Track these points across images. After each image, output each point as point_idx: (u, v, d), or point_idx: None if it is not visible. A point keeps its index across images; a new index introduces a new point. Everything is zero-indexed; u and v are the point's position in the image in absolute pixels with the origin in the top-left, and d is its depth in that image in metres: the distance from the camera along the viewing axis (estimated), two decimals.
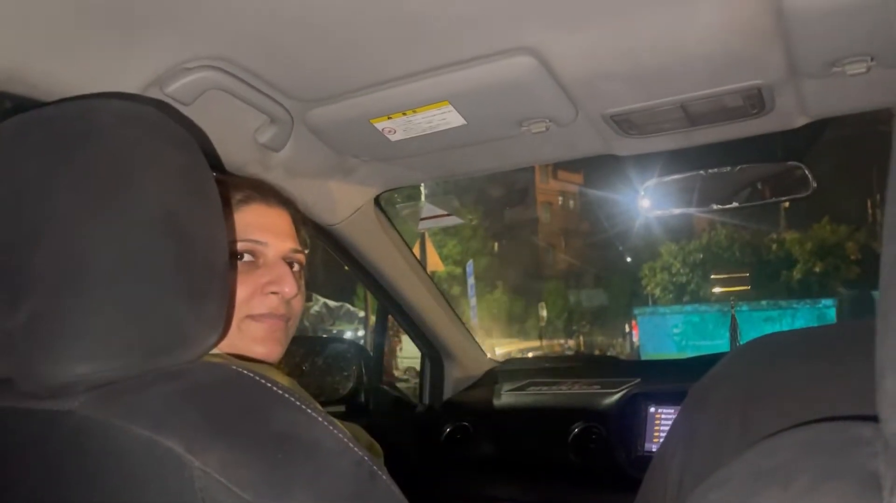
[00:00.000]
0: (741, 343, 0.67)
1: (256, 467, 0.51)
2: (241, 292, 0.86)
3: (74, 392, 0.54)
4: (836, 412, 0.44)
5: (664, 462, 0.61)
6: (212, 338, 0.62)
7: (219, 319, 0.62)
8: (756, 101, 1.05)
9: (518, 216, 29.60)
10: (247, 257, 0.89)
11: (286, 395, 0.58)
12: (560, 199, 31.08)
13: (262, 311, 0.88)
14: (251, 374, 0.59)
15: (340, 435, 0.58)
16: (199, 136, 1.09)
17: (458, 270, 20.09)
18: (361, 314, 10.96)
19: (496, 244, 26.39)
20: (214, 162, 1.18)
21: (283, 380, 0.79)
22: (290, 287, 0.89)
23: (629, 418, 1.52)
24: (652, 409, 1.49)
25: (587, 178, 29.17)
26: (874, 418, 0.34)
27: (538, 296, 23.23)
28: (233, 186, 0.94)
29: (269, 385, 0.59)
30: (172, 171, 0.62)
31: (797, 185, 1.23)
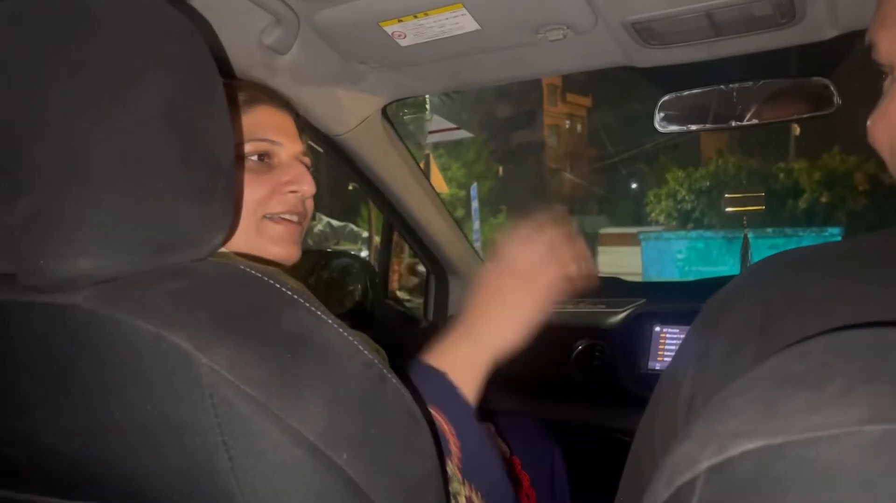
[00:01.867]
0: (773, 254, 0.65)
1: (265, 366, 0.51)
2: (259, 192, 0.85)
3: (79, 286, 0.53)
4: (863, 321, 0.42)
5: (675, 378, 0.60)
6: (218, 237, 0.60)
7: (225, 218, 0.61)
8: (786, 9, 1.00)
9: (524, 139, 29.25)
10: (262, 157, 0.88)
11: (295, 296, 0.57)
12: (568, 122, 30.62)
13: (281, 210, 0.88)
14: (259, 274, 0.57)
15: (350, 338, 0.58)
16: (204, 32, 1.04)
17: (462, 193, 20.02)
18: (365, 234, 11.00)
19: (501, 168, 26.18)
20: (219, 63, 1.13)
21: (293, 283, 0.79)
22: (308, 185, 0.89)
23: (634, 337, 1.53)
24: (657, 328, 1.50)
25: (595, 100, 28.67)
26: None
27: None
28: (236, 88, 0.91)
29: (279, 286, 0.57)
30: (176, 64, 0.59)
31: (821, 102, 1.18)
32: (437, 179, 10.78)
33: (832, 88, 1.16)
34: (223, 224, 0.60)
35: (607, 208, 26.26)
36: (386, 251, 1.91)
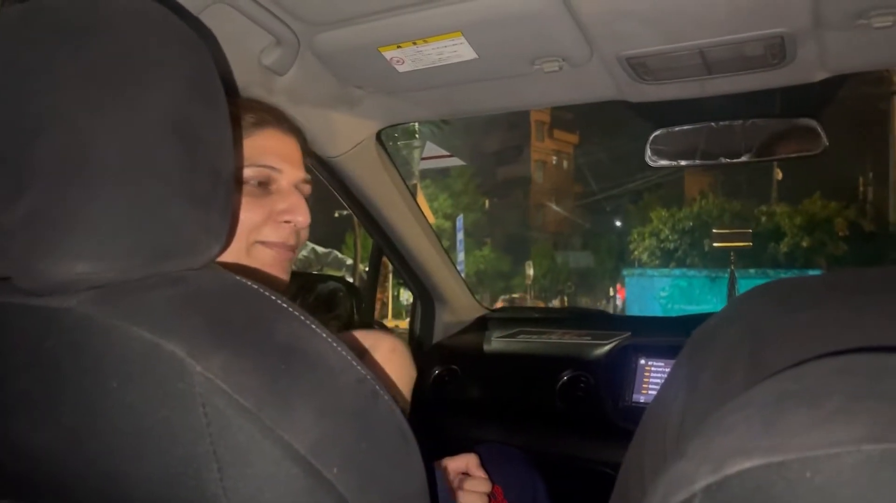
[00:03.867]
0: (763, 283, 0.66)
1: (259, 376, 0.50)
2: (253, 217, 0.84)
3: (74, 290, 0.52)
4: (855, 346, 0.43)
5: (664, 405, 0.60)
6: (215, 247, 0.60)
7: (222, 228, 0.61)
8: (777, 51, 1.03)
9: (511, 173, 29.49)
10: (260, 182, 0.87)
11: (290, 308, 0.57)
12: (554, 158, 30.94)
13: (274, 240, 0.86)
14: (255, 286, 0.57)
15: (344, 352, 0.57)
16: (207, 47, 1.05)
17: (448, 224, 20.08)
18: (349, 261, 10.98)
19: (487, 201, 26.34)
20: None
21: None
22: (304, 217, 0.87)
23: (619, 369, 1.53)
24: (642, 361, 1.50)
25: (582, 138, 29.03)
26: None
27: (526, 255, 23.34)
28: (244, 107, 0.91)
29: (274, 297, 0.57)
30: (181, 72, 0.59)
31: (809, 143, 1.21)
32: (424, 209, 10.81)
33: (820, 130, 1.19)
34: (220, 233, 0.60)
35: (591, 244, 26.42)
36: (374, 276, 1.91)
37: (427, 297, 1.91)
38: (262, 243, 0.86)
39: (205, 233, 0.58)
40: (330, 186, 1.54)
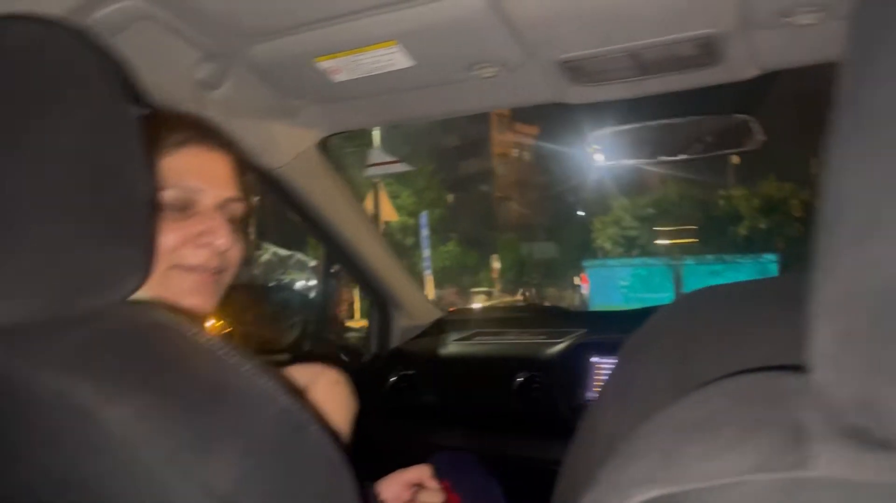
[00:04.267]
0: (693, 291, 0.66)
1: (174, 417, 0.49)
2: (171, 240, 0.80)
3: None
4: (774, 361, 0.43)
5: (599, 414, 0.61)
6: (132, 282, 0.58)
7: (141, 262, 0.59)
8: (708, 51, 1.04)
9: (473, 168, 29.58)
10: (180, 204, 0.83)
11: (209, 344, 0.55)
12: (515, 151, 31.11)
13: (193, 263, 0.83)
14: (172, 321, 0.56)
15: (267, 385, 0.56)
16: (130, 68, 1.02)
17: (412, 221, 20.05)
18: (313, 263, 10.89)
19: (451, 196, 26.36)
20: (148, 97, 1.11)
21: (209, 330, 0.76)
22: (223, 240, 0.83)
23: (572, 368, 1.54)
24: (594, 359, 1.51)
25: (543, 131, 29.22)
26: (805, 368, 0.33)
27: (491, 248, 23.44)
28: (170, 126, 0.87)
29: (192, 333, 0.55)
30: (90, 103, 0.57)
31: (746, 139, 1.23)
32: (387, 208, 10.77)
33: (754, 125, 1.21)
34: (138, 267, 0.58)
35: (556, 235, 26.64)
36: (326, 284, 1.88)
37: (382, 303, 1.90)
38: (181, 267, 0.82)
39: (120, 266, 0.57)
40: (276, 198, 1.52)
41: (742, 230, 17.56)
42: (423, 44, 1.06)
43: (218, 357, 0.55)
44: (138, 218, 0.58)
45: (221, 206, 0.87)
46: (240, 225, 0.93)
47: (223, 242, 0.84)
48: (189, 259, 0.83)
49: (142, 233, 0.59)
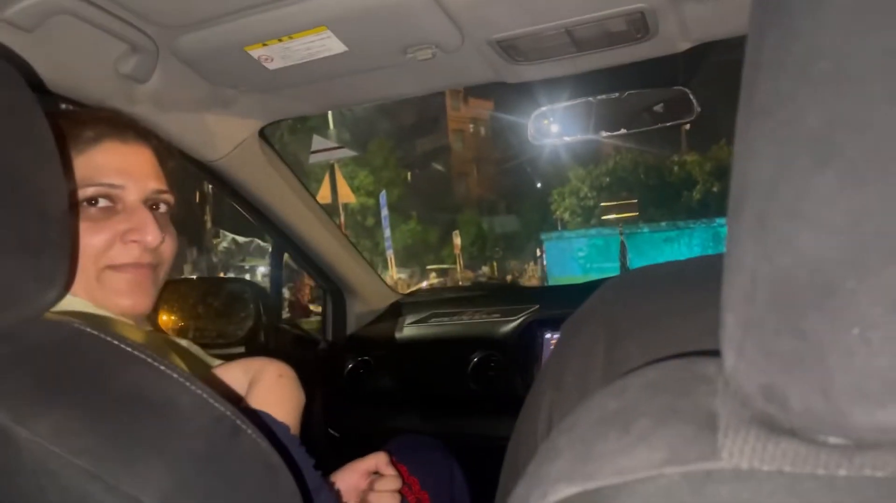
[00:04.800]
0: (630, 267, 0.67)
1: (96, 432, 0.48)
2: (98, 241, 0.78)
3: None
4: (699, 346, 0.43)
5: (536, 401, 0.61)
6: (50, 293, 0.56)
7: (58, 273, 0.57)
8: (640, 26, 1.04)
9: (430, 144, 29.45)
10: (102, 202, 0.80)
11: (136, 353, 0.54)
12: (471, 126, 31.04)
13: (125, 261, 0.81)
14: (93, 332, 0.54)
15: (198, 390, 0.55)
16: (46, 66, 0.98)
17: (372, 201, 19.93)
18: (271, 250, 10.77)
19: (409, 174, 26.25)
20: (70, 94, 1.07)
21: (138, 335, 0.74)
22: (152, 235, 0.81)
23: (525, 345, 1.55)
24: (547, 335, 1.53)
25: (497, 104, 29.22)
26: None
27: (452, 225, 23.46)
28: (83, 122, 0.84)
29: (116, 342, 0.54)
30: None
31: (682, 110, 1.24)
32: (344, 189, 10.68)
33: (691, 96, 1.22)
34: (55, 278, 0.57)
35: (515, 208, 26.76)
36: (277, 274, 1.86)
37: (336, 290, 1.88)
38: (112, 267, 0.80)
39: (36, 281, 0.55)
40: (219, 191, 1.49)
41: (696, 195, 17.89)
42: (354, 29, 1.04)
43: (144, 365, 0.54)
44: (52, 228, 0.56)
45: (146, 199, 0.85)
46: (168, 217, 0.90)
47: (152, 238, 0.82)
48: (120, 258, 0.81)
49: (57, 242, 0.57)
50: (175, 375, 0.55)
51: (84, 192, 0.78)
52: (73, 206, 0.77)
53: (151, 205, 0.86)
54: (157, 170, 0.88)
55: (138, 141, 0.87)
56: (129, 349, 0.54)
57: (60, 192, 0.59)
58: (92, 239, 0.77)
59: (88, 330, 0.54)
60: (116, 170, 0.82)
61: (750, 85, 0.30)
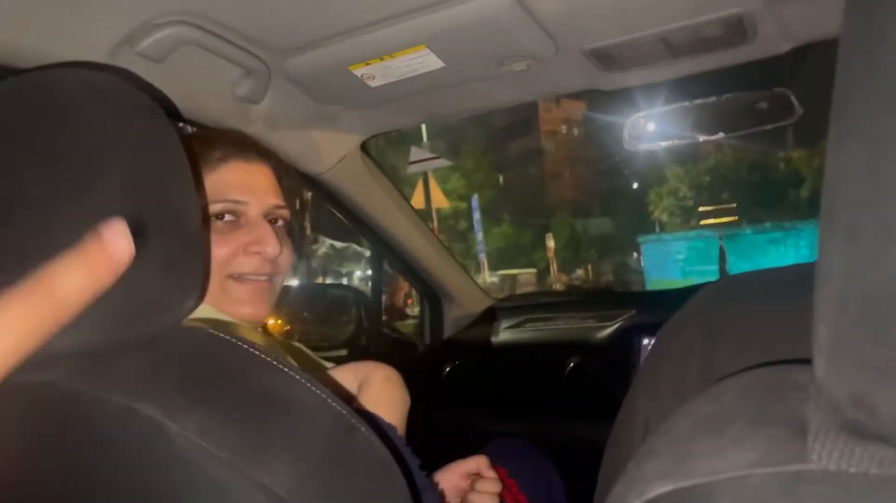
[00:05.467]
0: (730, 271, 0.68)
1: (233, 428, 0.53)
2: (223, 252, 0.86)
3: (56, 364, 0.56)
4: (793, 354, 0.44)
5: (632, 406, 0.63)
6: (188, 303, 0.63)
7: (194, 285, 0.63)
8: (737, 30, 1.03)
9: (522, 147, 29.33)
10: (228, 217, 0.88)
11: (263, 356, 0.60)
12: (564, 127, 30.70)
13: (246, 271, 0.88)
14: (227, 338, 0.60)
15: (318, 391, 0.60)
16: (173, 92, 1.08)
17: (463, 205, 20.05)
18: (368, 253, 11.01)
19: (501, 177, 26.22)
20: (194, 117, 1.17)
21: (259, 339, 0.81)
22: (272, 247, 0.89)
23: (622, 351, 1.55)
24: (645, 341, 1.52)
25: (590, 104, 28.74)
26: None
27: (545, 227, 23.26)
28: (211, 143, 0.92)
29: (246, 347, 0.60)
30: (138, 141, 0.62)
31: (783, 112, 1.21)
32: (437, 194, 10.82)
33: (792, 98, 1.19)
34: (192, 289, 0.63)
35: (610, 209, 26.23)
36: (377, 280, 1.94)
37: (433, 296, 1.94)
38: (234, 277, 0.87)
39: (175, 292, 0.61)
40: (323, 202, 1.57)
41: (804, 192, 16.98)
42: (451, 45, 1.08)
43: (272, 369, 0.59)
44: (189, 243, 0.63)
45: (267, 214, 0.92)
46: (287, 230, 0.98)
47: (272, 249, 0.89)
48: (242, 268, 0.88)
49: (193, 257, 0.63)
50: (297, 377, 0.60)
51: (212, 208, 0.87)
52: (205, 220, 0.85)
53: (271, 219, 0.93)
54: (276, 186, 0.96)
55: (260, 160, 0.95)
56: (257, 353, 0.60)
57: (196, 211, 0.66)
58: (218, 250, 0.85)
59: (222, 336, 0.60)
60: (241, 187, 0.90)
61: (842, 98, 0.31)
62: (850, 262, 0.30)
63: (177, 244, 0.61)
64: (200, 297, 0.66)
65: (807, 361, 0.38)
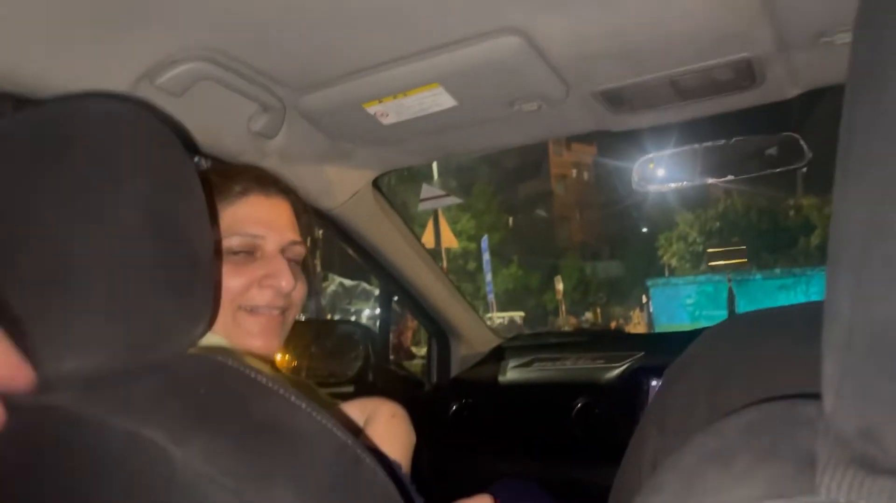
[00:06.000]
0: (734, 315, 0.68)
1: (238, 456, 0.53)
2: (237, 283, 0.87)
3: (64, 387, 0.56)
4: (801, 391, 0.44)
5: (640, 444, 0.62)
6: (197, 330, 0.63)
7: (203, 313, 0.64)
8: (746, 74, 1.04)
9: (532, 189, 29.51)
10: (245, 250, 0.89)
11: (270, 385, 0.60)
12: (574, 171, 30.92)
13: (259, 303, 0.89)
14: (235, 365, 0.60)
15: (324, 421, 0.60)
16: (191, 126, 1.10)
17: (473, 246, 20.09)
18: (377, 292, 11.01)
19: (511, 218, 26.32)
20: (211, 151, 1.19)
21: (266, 369, 0.81)
22: (286, 282, 0.89)
23: (631, 392, 1.53)
24: (654, 383, 1.50)
25: (601, 148, 28.97)
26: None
27: (554, 270, 23.24)
28: (231, 177, 0.94)
29: (253, 375, 0.60)
30: (154, 171, 0.63)
31: (793, 156, 1.22)
32: (446, 234, 10.87)
33: (801, 143, 1.20)
34: (201, 317, 0.64)
35: (619, 253, 26.22)
36: (385, 316, 1.94)
37: (441, 334, 1.93)
38: (247, 310, 0.88)
39: (185, 319, 0.62)
40: (334, 237, 1.58)
41: (814, 240, 16.93)
42: (464, 85, 1.10)
43: (278, 397, 0.59)
44: (200, 271, 0.64)
45: (283, 249, 0.93)
46: (301, 265, 0.99)
47: (286, 284, 0.90)
48: (255, 300, 0.89)
49: (203, 285, 0.64)
50: (303, 406, 0.60)
51: (230, 242, 0.88)
52: (219, 252, 0.86)
53: (287, 254, 0.94)
54: (293, 222, 0.97)
55: (279, 195, 0.96)
56: (264, 382, 0.60)
57: (208, 240, 0.67)
58: (232, 282, 0.86)
59: (230, 363, 0.61)
60: (259, 221, 0.91)
61: (846, 145, 0.32)
62: (857, 297, 0.30)
63: (187, 270, 0.62)
64: (210, 325, 0.66)
65: (815, 396, 0.38)
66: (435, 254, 9.96)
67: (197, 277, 0.64)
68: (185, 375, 0.58)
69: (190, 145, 1.12)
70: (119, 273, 0.57)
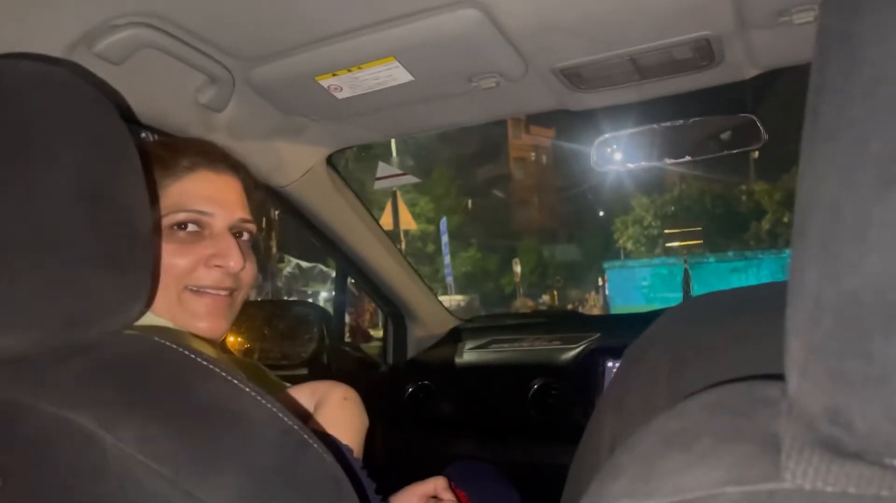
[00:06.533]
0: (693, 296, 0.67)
1: (176, 441, 0.50)
2: (183, 262, 0.83)
3: None
4: (762, 372, 0.43)
5: (598, 426, 0.61)
6: (135, 308, 0.59)
7: (142, 289, 0.60)
8: (705, 53, 1.04)
9: (491, 172, 29.57)
10: (191, 227, 0.85)
11: (211, 366, 0.57)
12: (533, 154, 31.06)
13: (205, 284, 0.85)
14: (174, 346, 0.57)
15: (269, 405, 0.57)
16: (134, 97, 1.05)
17: (432, 228, 20.08)
18: (335, 274, 10.93)
19: (469, 201, 26.36)
20: (155, 123, 1.14)
21: (210, 351, 0.78)
22: (235, 261, 0.85)
23: (587, 373, 1.54)
24: (609, 364, 1.51)
25: (559, 132, 29.17)
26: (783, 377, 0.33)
27: (512, 253, 23.39)
28: (178, 151, 0.89)
29: (193, 356, 0.57)
30: (87, 136, 0.59)
31: (749, 138, 1.23)
32: (405, 216, 10.83)
33: (758, 124, 1.21)
34: (140, 294, 0.60)
35: (576, 236, 26.51)
36: (340, 297, 1.90)
37: (397, 315, 1.91)
38: (192, 290, 0.84)
39: (122, 295, 0.58)
40: (287, 214, 1.54)
41: (765, 224, 17.37)
42: (420, 59, 1.07)
43: (220, 380, 0.56)
44: (138, 246, 0.60)
45: (232, 227, 0.89)
46: (251, 245, 0.95)
47: (235, 263, 0.86)
48: (202, 280, 0.85)
49: (142, 261, 0.60)
50: (247, 389, 0.57)
51: (175, 217, 0.83)
52: (162, 228, 0.82)
53: (236, 232, 0.89)
54: (243, 200, 0.92)
55: (229, 172, 0.92)
56: (205, 363, 0.57)
57: (146, 213, 0.63)
58: (178, 260, 0.82)
59: (168, 343, 0.57)
60: (207, 198, 0.86)
61: (814, 109, 0.30)
62: (824, 272, 0.29)
63: (125, 243, 0.58)
64: (147, 305, 0.62)
65: (778, 377, 0.36)
66: (393, 236, 9.93)
67: (135, 251, 0.60)
68: (117, 355, 0.55)
69: (131, 117, 1.07)
70: (50, 246, 0.54)
